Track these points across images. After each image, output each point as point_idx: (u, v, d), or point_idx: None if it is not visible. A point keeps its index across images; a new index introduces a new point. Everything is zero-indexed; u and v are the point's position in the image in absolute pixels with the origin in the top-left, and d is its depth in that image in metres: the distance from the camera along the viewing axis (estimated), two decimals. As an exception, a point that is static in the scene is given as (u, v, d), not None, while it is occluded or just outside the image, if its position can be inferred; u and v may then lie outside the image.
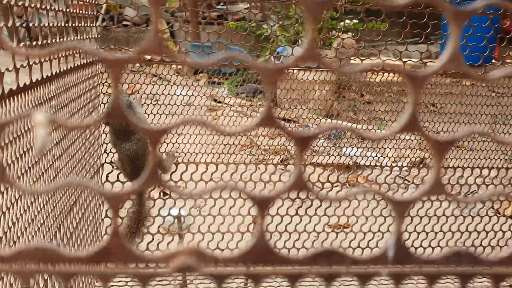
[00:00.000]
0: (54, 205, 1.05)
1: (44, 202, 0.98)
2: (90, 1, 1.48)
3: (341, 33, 3.63)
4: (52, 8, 1.10)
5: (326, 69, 1.67)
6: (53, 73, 1.06)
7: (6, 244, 0.79)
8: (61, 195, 1.08)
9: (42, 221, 0.97)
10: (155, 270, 0.33)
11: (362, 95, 3.25)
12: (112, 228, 0.32)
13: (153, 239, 1.55)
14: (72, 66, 1.19)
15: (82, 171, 1.28)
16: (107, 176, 1.51)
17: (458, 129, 2.10)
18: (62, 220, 1.10)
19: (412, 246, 1.65)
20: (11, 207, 0.83)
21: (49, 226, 1.02)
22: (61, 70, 1.10)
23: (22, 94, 0.85)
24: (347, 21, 4.05)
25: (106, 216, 1.51)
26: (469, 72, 0.33)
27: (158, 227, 1.55)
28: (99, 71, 1.43)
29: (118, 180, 1.52)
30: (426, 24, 1.58)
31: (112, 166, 1.52)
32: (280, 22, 2.99)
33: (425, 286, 0.34)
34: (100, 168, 1.50)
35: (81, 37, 1.40)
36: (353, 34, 2.43)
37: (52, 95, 1.05)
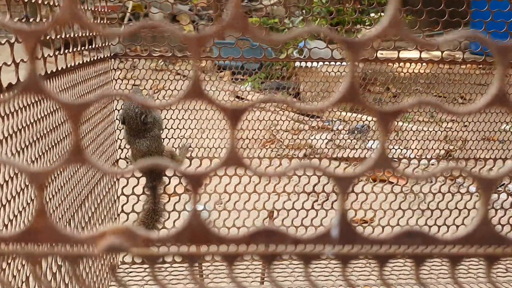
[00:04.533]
0: (72, 188, 1.07)
1: (60, 186, 1.00)
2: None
3: (366, 26, 3.57)
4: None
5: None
6: (68, 66, 1.08)
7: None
8: (75, 181, 1.09)
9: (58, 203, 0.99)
10: (84, 251, 0.32)
11: (388, 88, 3.19)
12: (37, 207, 0.31)
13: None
14: (82, 62, 1.20)
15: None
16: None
17: (486, 125, 2.02)
18: (78, 203, 1.12)
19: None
20: (21, 192, 0.84)
21: (66, 208, 1.03)
22: (73, 65, 1.11)
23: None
24: (372, 14, 3.99)
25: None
26: (411, 37, 0.30)
27: (174, 222, 1.55)
28: (111, 68, 1.44)
29: (133, 176, 1.52)
30: (452, 14, 1.51)
31: (127, 162, 1.53)
32: (302, 17, 2.96)
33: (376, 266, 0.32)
34: (116, 164, 1.52)
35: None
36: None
37: (66, 86, 1.07)
